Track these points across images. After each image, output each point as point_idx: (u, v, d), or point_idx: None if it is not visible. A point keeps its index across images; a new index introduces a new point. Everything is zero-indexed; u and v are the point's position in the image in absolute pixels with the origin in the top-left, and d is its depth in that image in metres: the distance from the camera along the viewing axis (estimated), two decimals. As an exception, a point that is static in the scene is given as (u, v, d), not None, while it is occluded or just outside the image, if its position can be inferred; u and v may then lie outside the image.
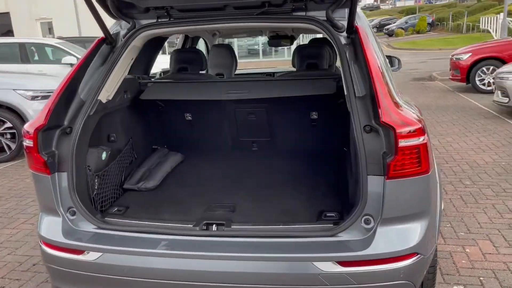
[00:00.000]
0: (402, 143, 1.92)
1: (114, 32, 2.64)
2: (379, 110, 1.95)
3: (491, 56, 10.86)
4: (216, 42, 5.27)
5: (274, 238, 2.09)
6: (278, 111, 3.39)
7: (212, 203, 2.60)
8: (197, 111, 3.49)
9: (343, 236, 2.05)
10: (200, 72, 3.58)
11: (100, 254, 2.15)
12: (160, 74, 5.70)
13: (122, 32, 2.64)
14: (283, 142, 3.59)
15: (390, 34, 37.88)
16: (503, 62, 10.42)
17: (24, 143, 2.31)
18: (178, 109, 3.49)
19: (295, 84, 3.10)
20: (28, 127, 2.28)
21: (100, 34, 2.56)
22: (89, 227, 2.28)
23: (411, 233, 2.03)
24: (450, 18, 38.01)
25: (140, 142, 3.29)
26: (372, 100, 2.08)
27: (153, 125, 3.58)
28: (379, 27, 43.77)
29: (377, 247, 1.98)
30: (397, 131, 1.91)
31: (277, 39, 4.91)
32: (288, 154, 3.50)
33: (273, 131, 3.53)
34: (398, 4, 79.29)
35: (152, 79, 3.57)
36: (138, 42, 2.62)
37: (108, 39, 2.57)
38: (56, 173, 2.29)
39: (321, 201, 2.59)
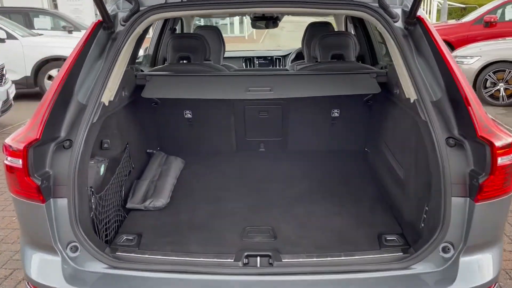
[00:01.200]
0: (500, 160, 1.64)
1: (111, 14, 2.10)
2: (474, 121, 1.64)
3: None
4: (194, 22, 4.72)
5: (339, 274, 1.74)
6: (295, 109, 3.01)
7: (244, 225, 2.20)
8: (198, 108, 3.01)
9: (417, 268, 1.76)
10: (205, 62, 3.09)
11: None
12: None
13: (121, 15, 2.11)
14: (296, 142, 3.22)
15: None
16: (449, 44, 10.70)
17: (6, 163, 1.75)
18: (175, 106, 2.99)
19: (326, 81, 2.69)
20: (13, 141, 1.72)
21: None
22: (97, 266, 1.79)
23: (492, 261, 1.78)
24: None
25: (136, 147, 2.77)
26: (453, 106, 1.77)
27: (147, 126, 3.05)
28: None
29: (464, 280, 1.70)
30: (496, 146, 1.62)
31: (261, 20, 4.46)
32: (302, 155, 3.15)
33: (286, 130, 3.15)
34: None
35: (147, 71, 3.01)
36: (142, 27, 2.11)
37: (107, 23, 2.03)
38: (52, 200, 1.76)
39: (371, 218, 2.27)
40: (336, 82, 2.65)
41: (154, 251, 1.95)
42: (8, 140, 1.75)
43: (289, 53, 4.99)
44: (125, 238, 2.11)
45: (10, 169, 1.73)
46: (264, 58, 5.05)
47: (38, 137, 1.68)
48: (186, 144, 3.22)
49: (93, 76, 1.93)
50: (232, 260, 1.83)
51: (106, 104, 2.02)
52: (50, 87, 1.80)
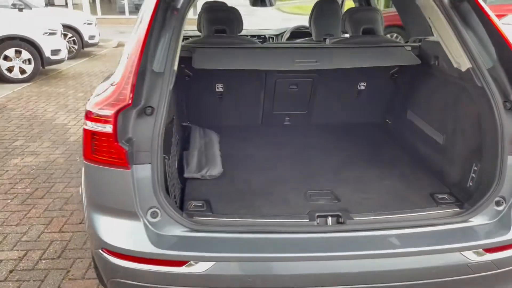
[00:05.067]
0: None
1: None
2: None
3: (394, 24, 11.58)
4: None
5: (408, 229, 1.89)
6: (325, 82, 3.10)
7: (304, 190, 2.28)
8: (231, 81, 3.02)
9: (474, 221, 1.94)
10: (239, 35, 3.09)
11: (211, 263, 1.73)
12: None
13: None
14: (320, 115, 3.32)
15: (276, -4, 37.85)
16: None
17: (89, 128, 1.73)
18: (208, 79, 2.98)
19: (367, 54, 2.77)
20: (100, 106, 1.70)
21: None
22: (176, 230, 1.82)
23: None
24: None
25: (176, 120, 2.76)
26: (508, 74, 1.94)
27: (181, 99, 3.02)
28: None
29: None
30: None
31: None
32: (326, 128, 3.26)
33: (312, 103, 3.24)
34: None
35: (192, 43, 2.94)
36: None
37: None
38: (134, 166, 1.76)
39: (417, 181, 2.43)
40: (376, 55, 2.77)
41: (228, 214, 2.00)
42: (91, 106, 1.72)
43: (282, 32, 5.04)
44: (194, 205, 2.10)
45: (99, 135, 1.71)
46: (258, 37, 5.07)
47: (130, 102, 1.67)
48: (215, 118, 3.24)
49: (163, 46, 1.91)
50: (308, 220, 1.93)
51: (176, 73, 2.02)
52: (130, 54, 1.78)
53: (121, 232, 1.81)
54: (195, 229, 1.82)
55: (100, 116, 1.69)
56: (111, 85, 1.79)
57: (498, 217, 1.95)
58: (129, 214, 1.79)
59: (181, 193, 2.25)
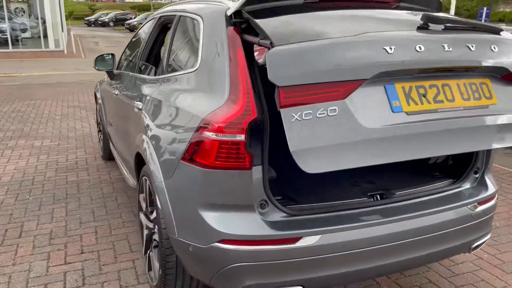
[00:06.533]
0: None
1: None
2: None
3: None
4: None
5: (429, 196, 2.62)
6: None
7: (345, 179, 2.85)
8: None
9: (464, 186, 2.77)
10: None
11: (318, 237, 2.22)
12: None
13: None
14: None
15: (132, 29, 37.74)
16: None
17: (218, 139, 2.08)
18: None
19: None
20: (232, 120, 2.07)
21: None
22: (277, 216, 2.25)
23: (493, 179, 2.92)
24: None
25: None
26: None
27: None
28: (116, 21, 45.04)
29: (491, 189, 2.78)
30: None
31: None
32: None
33: None
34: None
35: None
36: None
37: None
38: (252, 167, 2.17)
39: (412, 166, 3.15)
40: None
41: (309, 201, 2.47)
42: (221, 121, 2.07)
43: None
44: (276, 199, 2.37)
45: (228, 143, 2.05)
46: None
47: (256, 116, 2.08)
48: None
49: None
50: (366, 199, 2.53)
51: None
52: (242, 73, 2.18)
53: (241, 223, 2.18)
54: (294, 214, 2.28)
55: (235, 127, 2.06)
56: (228, 104, 2.17)
57: (476, 182, 2.81)
58: (246, 207, 2.17)
59: None
